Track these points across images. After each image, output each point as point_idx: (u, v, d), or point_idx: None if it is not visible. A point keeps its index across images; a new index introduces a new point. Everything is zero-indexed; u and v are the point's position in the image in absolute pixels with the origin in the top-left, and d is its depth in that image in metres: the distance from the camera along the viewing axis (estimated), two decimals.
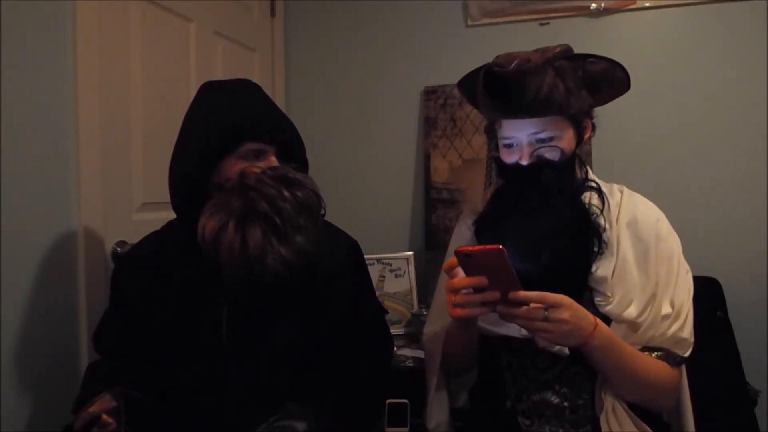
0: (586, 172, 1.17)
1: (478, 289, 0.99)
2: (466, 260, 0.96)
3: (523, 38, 2.06)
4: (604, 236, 1.11)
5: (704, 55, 1.94)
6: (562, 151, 1.11)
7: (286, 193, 1.05)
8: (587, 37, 2.02)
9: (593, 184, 1.15)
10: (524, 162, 1.11)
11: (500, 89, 1.08)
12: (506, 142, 1.14)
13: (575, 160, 1.14)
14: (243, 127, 1.08)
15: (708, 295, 1.67)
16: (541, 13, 2.07)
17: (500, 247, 0.92)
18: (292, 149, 1.16)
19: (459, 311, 1.00)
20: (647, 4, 1.98)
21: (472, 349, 1.22)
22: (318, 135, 2.31)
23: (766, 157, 1.88)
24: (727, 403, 1.57)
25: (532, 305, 0.97)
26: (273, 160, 1.11)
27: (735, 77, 1.91)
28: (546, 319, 0.97)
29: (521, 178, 1.11)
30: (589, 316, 1.02)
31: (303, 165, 1.18)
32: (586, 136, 1.17)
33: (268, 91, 2.32)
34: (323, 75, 2.32)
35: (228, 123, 1.08)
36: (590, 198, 1.14)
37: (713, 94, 1.93)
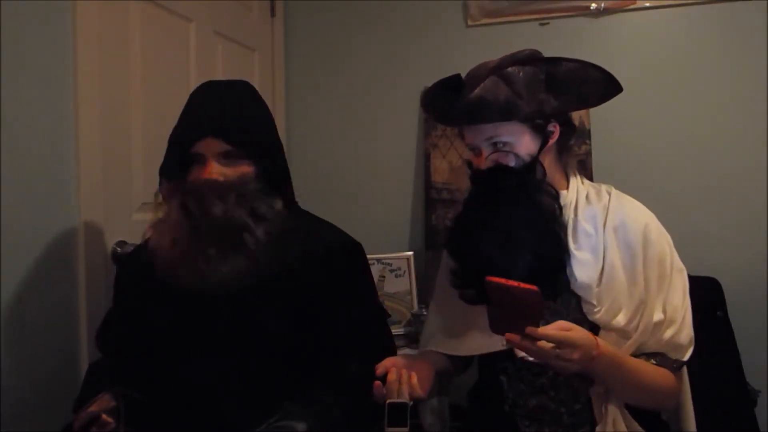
0: (544, 175, 1.14)
1: (494, 316, 1.01)
2: (498, 290, 0.98)
3: (523, 38, 2.06)
4: (577, 244, 1.11)
5: (704, 55, 1.94)
6: (517, 156, 1.11)
7: (222, 203, 1.05)
8: (587, 37, 2.02)
9: (549, 189, 1.14)
10: (482, 167, 1.14)
11: (447, 97, 1.15)
12: (469, 148, 1.18)
13: (536, 165, 1.13)
14: (206, 122, 1.08)
15: (708, 295, 1.67)
16: (541, 13, 2.07)
17: (537, 290, 0.94)
18: (267, 156, 1.14)
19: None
20: (647, 4, 1.98)
21: (453, 367, 1.26)
22: (318, 134, 2.31)
23: (766, 157, 1.88)
24: (727, 403, 1.57)
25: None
26: (241, 167, 1.10)
27: (735, 77, 1.91)
28: (557, 356, 0.98)
29: (480, 183, 1.15)
30: (593, 342, 1.02)
31: (281, 172, 1.18)
32: (553, 139, 1.15)
33: (268, 91, 2.34)
34: (323, 75, 2.32)
35: (195, 116, 1.10)
36: (546, 201, 1.13)
37: (713, 93, 1.93)
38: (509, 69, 1.11)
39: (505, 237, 1.08)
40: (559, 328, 0.99)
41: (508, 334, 0.98)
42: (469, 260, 1.13)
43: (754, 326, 1.83)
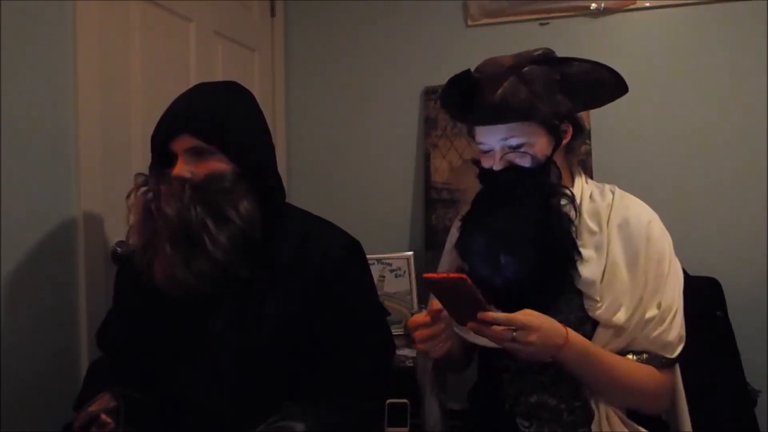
0: (559, 177, 1.15)
1: (449, 311, 1.03)
2: (432, 286, 1.00)
3: (523, 38, 2.06)
4: (581, 241, 1.12)
5: (704, 55, 1.94)
6: (533, 157, 1.11)
7: (185, 203, 1.03)
8: (587, 37, 2.02)
9: (566, 191, 1.14)
10: (496, 167, 1.12)
11: (464, 95, 1.12)
12: (481, 147, 1.16)
13: (550, 166, 1.13)
14: (180, 116, 1.07)
15: (708, 295, 1.67)
16: (541, 13, 2.07)
17: (463, 276, 0.96)
18: (248, 152, 1.10)
19: (423, 347, 1.04)
20: (647, 4, 1.98)
21: (460, 355, 1.24)
22: (318, 135, 2.31)
23: (766, 157, 1.88)
24: (727, 403, 1.57)
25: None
26: (213, 164, 1.07)
27: (735, 77, 1.91)
28: (514, 340, 0.99)
29: (492, 183, 1.13)
30: (560, 331, 1.03)
31: (266, 171, 1.15)
32: (565, 140, 1.16)
33: (268, 91, 2.33)
34: (323, 75, 2.32)
35: (166, 116, 1.09)
36: (561, 203, 1.13)
37: (713, 93, 1.93)
38: (527, 69, 1.10)
39: (517, 239, 1.07)
40: (522, 314, 1.00)
41: (469, 323, 1.00)
42: (481, 262, 1.12)
43: (754, 326, 1.83)
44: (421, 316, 1.04)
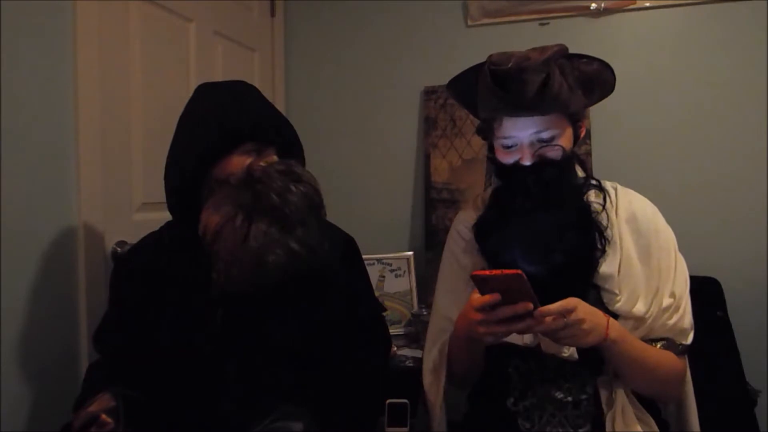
0: (586, 170, 1.19)
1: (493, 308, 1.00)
2: (483, 284, 0.98)
3: (523, 38, 2.06)
4: (607, 233, 1.12)
5: (704, 55, 1.94)
6: (564, 149, 1.11)
7: (293, 188, 1.06)
8: (587, 37, 2.02)
9: (594, 182, 1.17)
10: (526, 162, 1.10)
11: (504, 85, 1.07)
12: (506, 142, 1.13)
13: (574, 159, 1.16)
14: (243, 128, 1.08)
15: (708, 295, 1.67)
16: (541, 13, 2.07)
17: (519, 272, 0.94)
18: (291, 149, 1.18)
19: (484, 331, 1.01)
20: (647, 4, 1.98)
21: (478, 359, 1.22)
22: (318, 135, 2.31)
23: (766, 157, 1.88)
24: (727, 403, 1.57)
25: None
26: (274, 158, 1.12)
27: (735, 77, 1.91)
28: (567, 325, 0.99)
29: (524, 178, 1.10)
30: (599, 311, 1.05)
31: (301, 163, 1.19)
32: (581, 135, 1.18)
33: (268, 91, 2.34)
34: (323, 75, 2.32)
35: (228, 124, 1.08)
36: (589, 196, 1.16)
37: (713, 93, 1.93)
38: (561, 62, 1.09)
39: (562, 233, 1.07)
40: (565, 301, 1.00)
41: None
42: (522, 257, 1.08)
43: (754, 326, 1.83)
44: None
